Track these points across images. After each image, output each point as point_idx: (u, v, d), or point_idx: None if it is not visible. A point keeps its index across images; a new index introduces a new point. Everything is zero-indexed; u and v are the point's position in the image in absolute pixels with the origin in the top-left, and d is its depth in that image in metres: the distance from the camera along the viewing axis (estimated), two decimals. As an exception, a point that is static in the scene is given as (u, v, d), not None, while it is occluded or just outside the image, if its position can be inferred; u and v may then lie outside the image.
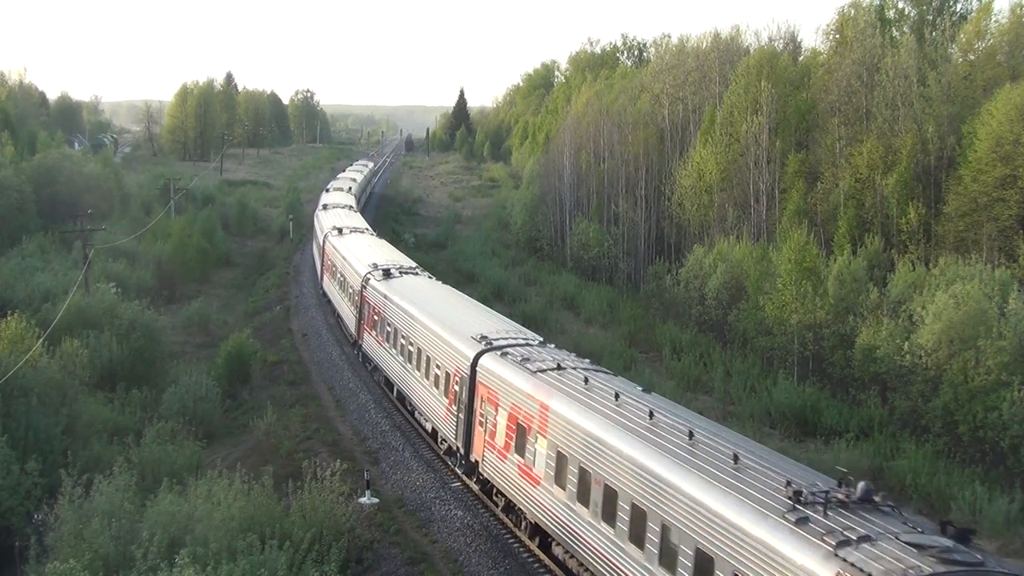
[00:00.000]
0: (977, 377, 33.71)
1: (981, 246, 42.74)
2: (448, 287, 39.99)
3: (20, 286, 47.95)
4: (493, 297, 60.85)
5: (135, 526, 22.05)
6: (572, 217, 78.61)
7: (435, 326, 31.13)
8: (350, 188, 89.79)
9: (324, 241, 56.37)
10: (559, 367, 24.12)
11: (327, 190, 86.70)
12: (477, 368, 26.39)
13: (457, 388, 27.82)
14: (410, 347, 33.33)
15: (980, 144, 44.22)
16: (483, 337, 27.73)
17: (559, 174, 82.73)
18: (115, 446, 30.76)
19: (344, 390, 40.55)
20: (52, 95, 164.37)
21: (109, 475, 24.60)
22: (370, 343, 39.96)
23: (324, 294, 56.75)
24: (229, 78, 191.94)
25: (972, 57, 51.57)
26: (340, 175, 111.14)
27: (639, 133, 73.53)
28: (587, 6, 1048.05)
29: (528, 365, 24.31)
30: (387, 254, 47.00)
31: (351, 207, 72.79)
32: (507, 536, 25.40)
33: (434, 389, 30.39)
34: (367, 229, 58.61)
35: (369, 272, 41.12)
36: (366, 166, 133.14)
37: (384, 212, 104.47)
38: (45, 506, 25.32)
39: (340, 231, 54.97)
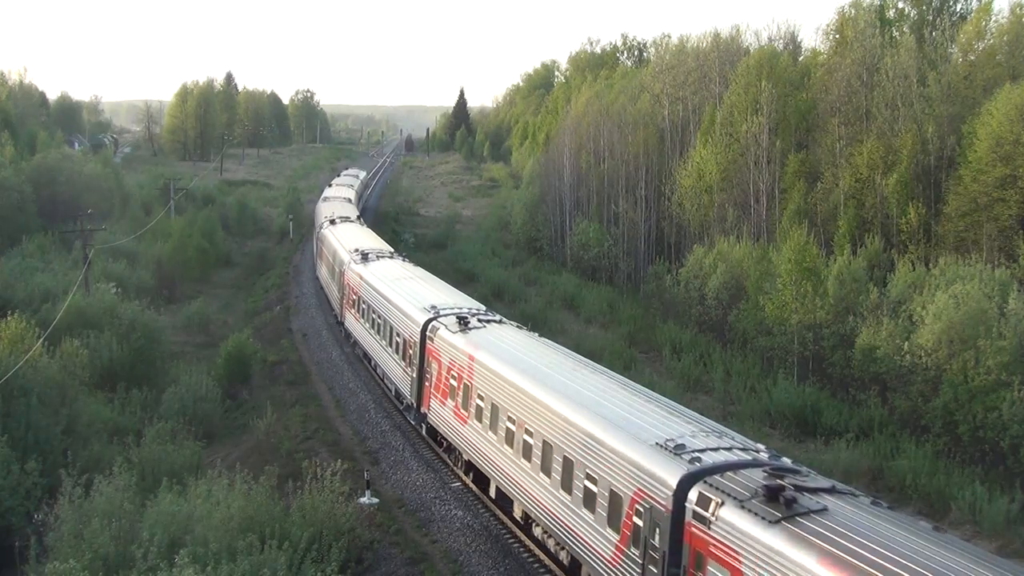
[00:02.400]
0: (977, 377, 33.71)
1: (981, 246, 42.74)
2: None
3: (20, 286, 47.95)
4: (493, 297, 60.85)
5: (135, 526, 22.05)
6: (572, 217, 78.63)
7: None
8: (358, 218, 67.24)
9: (429, 338, 30.59)
10: None
11: (332, 222, 60.01)
12: None
13: None
14: None
15: (980, 144, 44.21)
16: None
17: (559, 174, 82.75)
18: (115, 446, 30.78)
19: (344, 390, 40.55)
20: (52, 95, 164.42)
21: (109, 475, 24.58)
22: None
23: (427, 423, 31.75)
24: (229, 78, 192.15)
25: (972, 57, 51.55)
26: (329, 194, 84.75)
27: (639, 133, 73.53)
28: (587, 6, 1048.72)
29: None
30: (561, 358, 26.67)
31: (398, 254, 48.58)
32: (507, 536, 25.43)
33: None
34: (486, 312, 33.15)
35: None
36: (356, 177, 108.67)
37: (383, 214, 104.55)
38: (45, 506, 25.30)
39: (465, 324, 29.35)
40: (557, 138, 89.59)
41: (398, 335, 34.03)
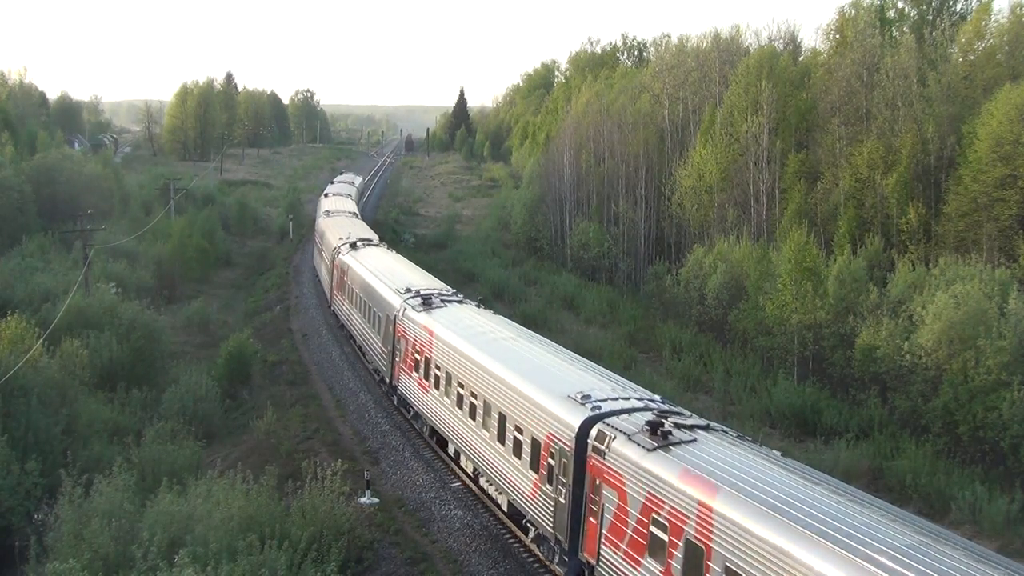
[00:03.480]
0: (977, 377, 33.72)
1: (981, 246, 42.78)
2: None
3: (20, 286, 47.96)
4: (493, 297, 60.79)
5: (135, 526, 22.07)
6: (572, 217, 78.65)
7: None
8: (381, 240, 56.83)
9: (596, 451, 20.84)
10: None
11: (354, 246, 50.56)
12: None
13: None
14: None
15: (980, 144, 44.24)
16: None
17: (559, 174, 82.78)
18: (115, 446, 30.83)
19: (344, 390, 40.54)
20: (52, 95, 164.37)
21: (109, 475, 24.61)
22: None
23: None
24: (229, 78, 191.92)
25: (972, 57, 51.60)
26: (329, 207, 72.99)
27: (639, 133, 73.57)
28: (587, 6, 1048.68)
29: None
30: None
31: (468, 298, 37.74)
32: (507, 536, 25.42)
33: None
34: (671, 406, 23.62)
35: None
36: (352, 184, 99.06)
37: (383, 216, 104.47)
38: (45, 506, 25.37)
39: (664, 437, 19.64)
40: (557, 138, 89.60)
41: (520, 432, 23.63)
